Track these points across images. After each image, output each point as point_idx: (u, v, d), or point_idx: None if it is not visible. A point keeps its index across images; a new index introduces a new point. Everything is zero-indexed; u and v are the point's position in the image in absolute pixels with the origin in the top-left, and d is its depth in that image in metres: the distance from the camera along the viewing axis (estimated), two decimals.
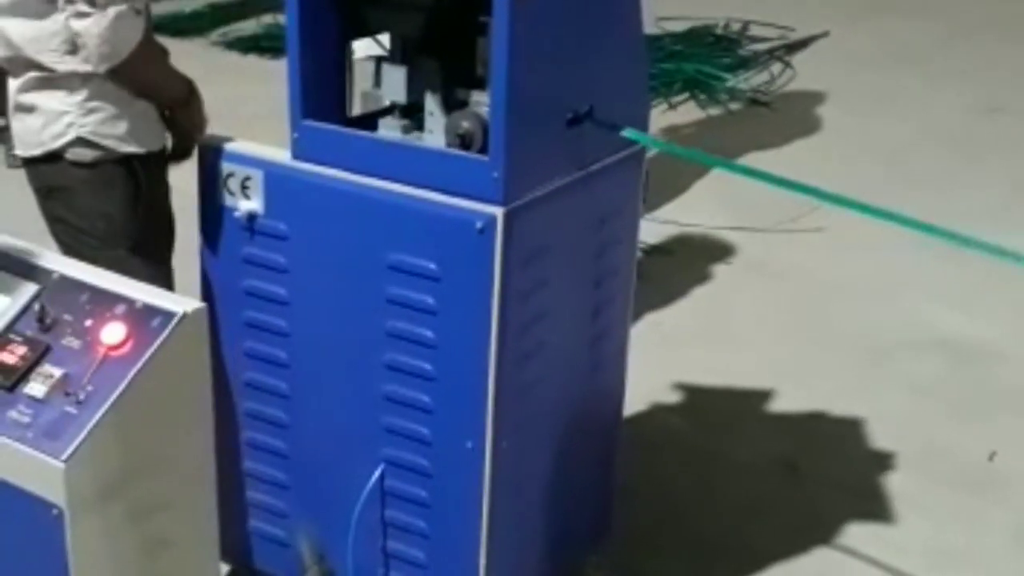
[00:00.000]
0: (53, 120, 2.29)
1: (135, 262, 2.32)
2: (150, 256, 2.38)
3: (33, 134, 2.32)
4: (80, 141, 2.29)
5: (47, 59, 2.25)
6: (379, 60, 2.35)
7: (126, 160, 2.33)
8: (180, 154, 2.46)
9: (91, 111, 2.28)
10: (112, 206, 2.33)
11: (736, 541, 2.97)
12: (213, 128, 2.47)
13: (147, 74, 2.30)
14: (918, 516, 3.07)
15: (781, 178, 2.29)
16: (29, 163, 2.37)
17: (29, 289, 1.98)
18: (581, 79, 2.25)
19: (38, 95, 2.29)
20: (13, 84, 2.34)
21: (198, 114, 2.44)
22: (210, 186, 2.37)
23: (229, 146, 2.38)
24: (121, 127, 2.31)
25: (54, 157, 2.31)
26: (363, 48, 2.45)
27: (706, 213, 4.77)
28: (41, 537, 1.86)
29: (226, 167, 2.34)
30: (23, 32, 2.25)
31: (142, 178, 2.35)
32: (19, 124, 2.35)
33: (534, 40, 2.08)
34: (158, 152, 2.40)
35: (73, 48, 2.23)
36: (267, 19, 7.21)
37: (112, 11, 2.16)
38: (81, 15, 2.17)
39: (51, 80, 2.27)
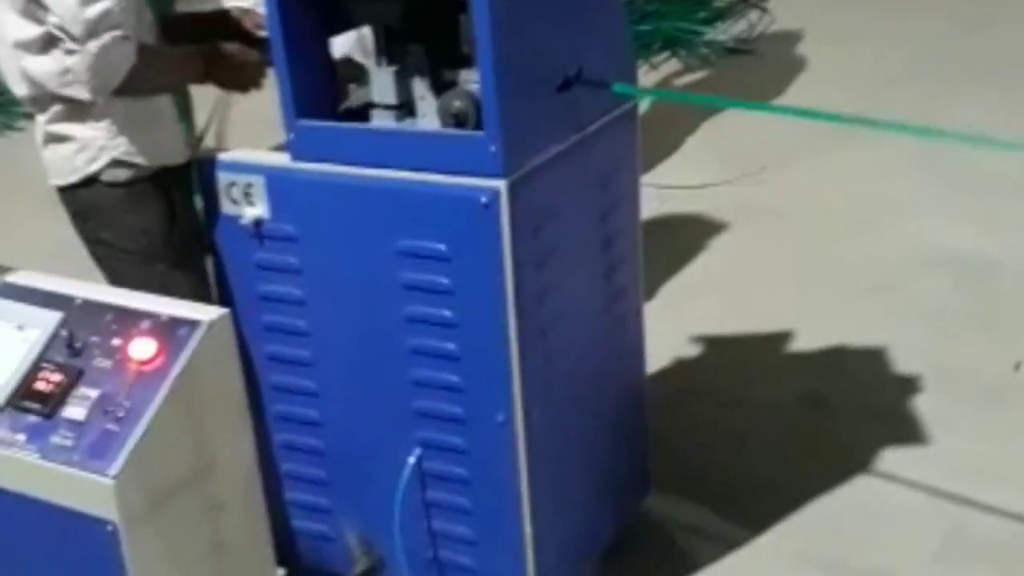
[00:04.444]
0: (86, 146, 2.33)
1: (176, 275, 2.38)
2: (188, 267, 2.42)
3: (66, 161, 2.36)
4: (114, 162, 2.34)
5: (72, 91, 2.27)
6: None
7: (159, 175, 2.38)
8: (241, 90, 2.49)
9: (121, 132, 2.33)
10: (150, 222, 2.38)
11: (772, 481, 3.01)
12: None
13: (150, 85, 2.33)
14: (948, 434, 3.10)
15: (793, 108, 2.30)
16: (64, 190, 2.41)
17: (54, 318, 2.02)
18: (566, 43, 2.28)
19: (68, 125, 2.34)
20: (41, 117, 2.38)
21: (230, 69, 2.44)
22: (212, 197, 2.41)
23: (226, 156, 2.41)
24: (152, 144, 2.36)
25: (89, 181, 2.36)
26: (340, 45, 2.48)
27: (701, 167, 4.79)
28: (98, 555, 1.90)
29: (227, 177, 2.38)
30: (44, 69, 2.28)
31: (175, 192, 2.40)
32: (51, 154, 2.39)
33: (515, 10, 2.10)
34: (186, 165, 2.44)
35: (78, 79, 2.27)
36: None
37: (94, 46, 2.19)
38: (70, 52, 2.21)
39: (79, 109, 2.31)
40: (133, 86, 2.26)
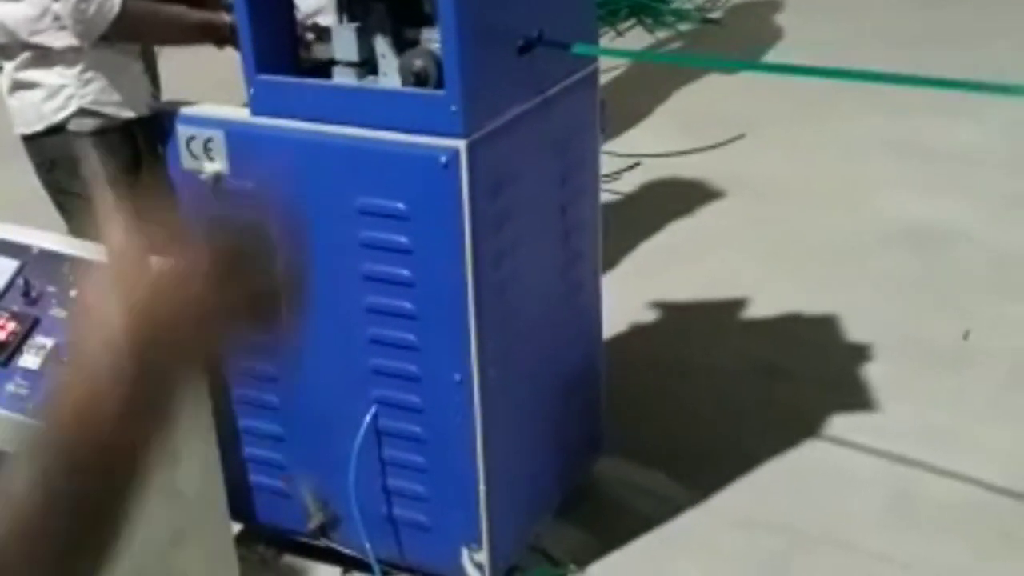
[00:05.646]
0: (54, 93, 2.33)
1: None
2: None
3: (33, 109, 2.36)
4: (81, 111, 2.33)
5: (43, 39, 2.27)
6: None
7: (125, 126, 2.37)
8: None
9: (89, 81, 2.32)
10: (116, 172, 2.37)
11: (725, 446, 3.05)
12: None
13: (147, 36, 2.33)
14: (899, 401, 3.15)
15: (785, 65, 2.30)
16: (29, 139, 2.40)
17: (10, 266, 2.00)
18: (528, 5, 2.28)
19: (36, 71, 2.33)
20: (9, 65, 2.37)
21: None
22: (172, 151, 2.40)
23: (187, 110, 2.40)
24: (119, 94, 2.35)
25: (56, 130, 2.35)
26: (313, 4, 2.47)
27: (668, 136, 4.81)
28: None
29: (186, 131, 2.36)
30: (15, 16, 2.28)
31: (141, 142, 2.40)
32: (18, 101, 2.38)
33: None
34: (151, 116, 2.43)
35: (64, 24, 2.27)
36: None
37: None
38: None
39: (47, 56, 2.31)
40: (152, 40, 2.33)
